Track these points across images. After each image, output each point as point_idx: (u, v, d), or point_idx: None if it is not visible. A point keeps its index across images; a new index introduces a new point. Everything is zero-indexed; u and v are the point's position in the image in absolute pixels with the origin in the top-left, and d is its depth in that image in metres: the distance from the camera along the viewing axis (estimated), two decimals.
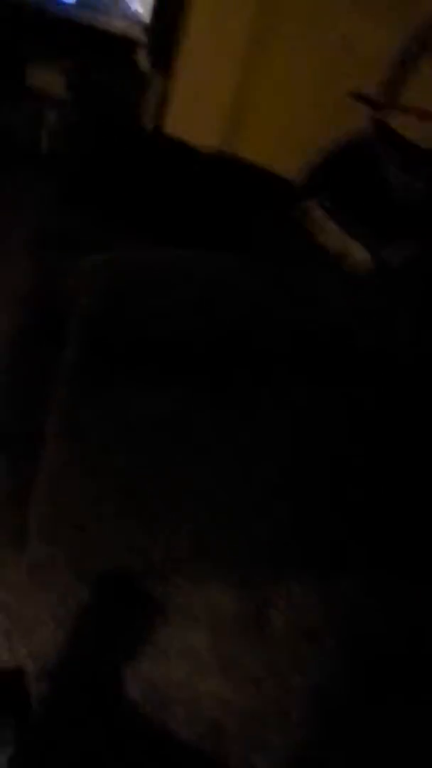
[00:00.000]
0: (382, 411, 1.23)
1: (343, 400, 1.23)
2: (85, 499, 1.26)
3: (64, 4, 3.03)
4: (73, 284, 1.21)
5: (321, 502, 1.36)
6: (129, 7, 3.04)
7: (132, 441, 1.23)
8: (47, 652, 1.22)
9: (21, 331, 1.31)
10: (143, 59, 3.09)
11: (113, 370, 1.18)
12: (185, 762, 1.12)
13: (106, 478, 1.24)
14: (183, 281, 1.18)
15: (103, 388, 1.19)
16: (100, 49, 3.02)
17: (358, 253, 1.38)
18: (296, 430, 1.25)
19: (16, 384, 1.25)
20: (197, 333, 1.18)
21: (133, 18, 3.03)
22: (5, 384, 1.25)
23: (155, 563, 1.37)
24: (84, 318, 1.15)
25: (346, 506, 1.37)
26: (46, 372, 1.22)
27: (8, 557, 1.33)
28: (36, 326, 1.30)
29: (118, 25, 3.04)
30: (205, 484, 1.30)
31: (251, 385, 1.23)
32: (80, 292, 1.17)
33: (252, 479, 1.32)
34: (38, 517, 1.27)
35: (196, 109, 3.04)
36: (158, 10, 3.04)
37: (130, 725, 1.14)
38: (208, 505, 1.32)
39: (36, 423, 1.23)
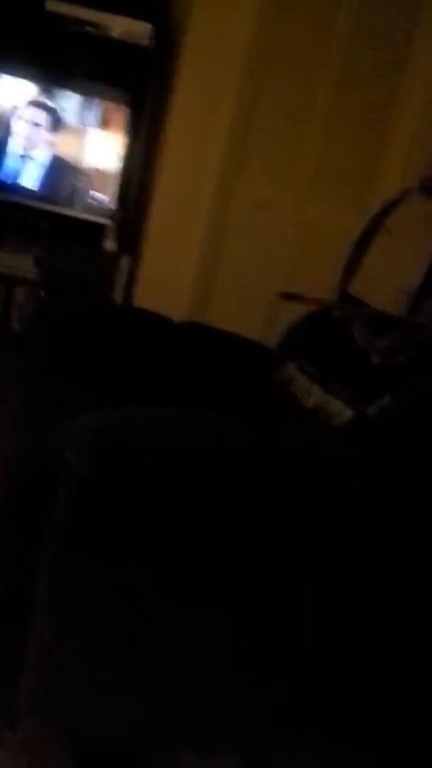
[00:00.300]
0: (370, 565, 1.23)
1: (342, 563, 1.22)
2: (79, 669, 1.18)
3: (31, 193, 3.29)
4: (59, 445, 1.21)
5: (321, 667, 1.31)
6: (94, 196, 3.31)
7: (125, 602, 1.18)
8: None
9: (9, 494, 1.29)
10: (110, 242, 3.32)
11: (102, 530, 1.15)
12: None
13: (100, 645, 1.18)
14: (174, 436, 1.20)
15: (92, 548, 1.16)
16: (67, 234, 3.25)
17: (344, 413, 1.43)
18: (292, 593, 1.22)
19: (5, 549, 1.21)
20: (190, 489, 1.17)
21: (98, 206, 3.30)
22: None
23: (160, 734, 1.26)
24: (72, 476, 1.14)
25: (346, 671, 1.32)
26: (36, 536, 1.19)
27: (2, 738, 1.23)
28: (24, 490, 1.29)
29: (83, 213, 3.29)
30: (206, 648, 1.24)
31: (250, 542, 1.21)
32: (69, 450, 1.17)
33: (255, 643, 1.27)
34: (29, 692, 1.18)
35: (164, 285, 3.24)
36: (122, 197, 3.32)
37: None
38: (210, 672, 1.25)
39: (26, 590, 1.18)
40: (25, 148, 3.30)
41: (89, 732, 1.22)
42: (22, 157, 3.31)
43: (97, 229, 3.30)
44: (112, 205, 3.30)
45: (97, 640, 1.17)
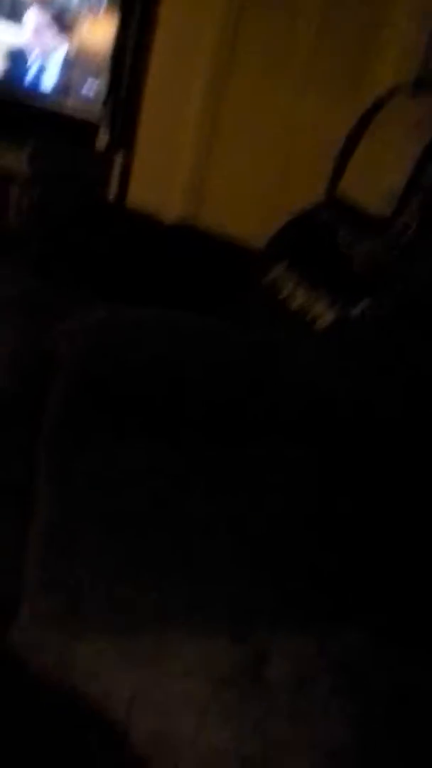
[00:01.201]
0: (368, 460, 1.29)
1: (329, 453, 1.28)
2: (80, 552, 1.28)
3: (24, 89, 3.19)
4: (53, 345, 1.25)
5: (316, 554, 1.40)
6: (85, 89, 3.21)
7: (115, 494, 1.26)
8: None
9: (3, 393, 1.34)
10: (103, 137, 3.24)
11: (94, 427, 1.21)
12: None
13: (99, 529, 1.26)
14: (167, 336, 1.24)
15: (84, 444, 1.22)
16: (60, 130, 3.18)
17: (327, 316, 1.46)
18: (287, 485, 1.29)
19: (3, 442, 1.28)
20: (180, 388, 1.22)
21: (91, 98, 3.20)
22: None
23: (150, 614, 1.38)
24: (67, 374, 1.19)
25: (342, 557, 1.41)
26: (31, 436, 1.25)
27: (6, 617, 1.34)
28: (16, 387, 1.34)
29: (75, 106, 3.21)
30: (195, 538, 1.33)
31: (238, 439, 1.27)
32: (61, 351, 1.21)
33: (244, 533, 1.35)
34: (33, 576, 1.28)
35: (157, 183, 3.20)
36: (113, 91, 3.22)
37: None
38: (199, 559, 1.35)
39: (28, 479, 1.26)
40: (14, 43, 3.18)
41: (85, 615, 1.32)
42: (13, 51, 3.19)
43: (90, 124, 3.22)
44: (105, 97, 3.21)
45: (91, 526, 1.26)
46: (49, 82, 3.24)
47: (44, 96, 3.24)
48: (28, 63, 3.22)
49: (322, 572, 1.42)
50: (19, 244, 3.20)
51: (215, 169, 3.21)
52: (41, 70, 3.23)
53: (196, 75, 3.08)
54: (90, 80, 3.22)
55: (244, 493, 1.27)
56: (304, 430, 1.25)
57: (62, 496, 1.25)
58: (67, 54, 3.19)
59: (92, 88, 3.23)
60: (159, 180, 3.23)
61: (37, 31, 3.17)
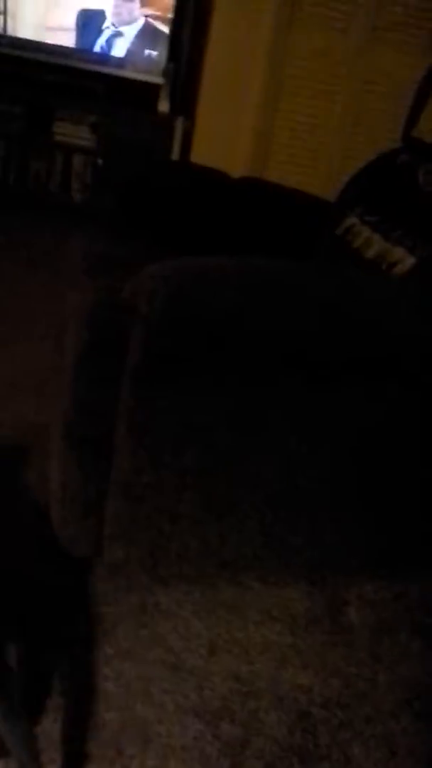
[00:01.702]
0: None
1: (403, 395, 1.26)
2: (158, 500, 1.29)
3: (84, 55, 3.20)
4: (130, 294, 1.26)
5: (390, 501, 1.39)
6: (145, 55, 3.20)
7: (198, 439, 1.26)
8: (131, 651, 1.24)
9: (86, 347, 1.35)
10: (164, 102, 3.23)
11: (175, 372, 1.21)
12: (277, 750, 1.13)
13: (177, 478, 1.28)
14: (244, 282, 1.23)
15: (165, 389, 1.22)
16: (121, 97, 3.18)
17: (406, 260, 1.43)
18: (363, 429, 1.28)
19: (87, 393, 1.30)
20: (258, 329, 1.21)
21: (151, 65, 3.20)
22: (78, 393, 1.30)
23: (227, 563, 1.39)
24: (146, 322, 1.19)
25: (414, 505, 1.40)
26: (113, 382, 1.26)
27: (91, 562, 1.37)
28: (98, 338, 1.35)
29: (136, 73, 3.20)
30: (273, 483, 1.33)
31: (312, 382, 1.26)
32: (140, 298, 1.22)
33: (322, 479, 1.35)
34: (114, 520, 1.30)
35: (219, 145, 3.17)
36: (175, 55, 3.20)
37: (218, 717, 1.16)
38: (277, 505, 1.35)
39: (109, 430, 1.28)
40: (89, 8, 3.19)
41: (167, 558, 1.35)
42: (87, 17, 3.20)
43: (151, 90, 3.21)
44: (165, 63, 3.20)
45: (172, 472, 1.27)
46: (119, 49, 3.24)
47: (110, 62, 3.25)
48: (101, 29, 3.22)
49: (401, 519, 1.40)
50: (88, 211, 3.24)
51: (280, 129, 3.17)
52: (113, 37, 3.24)
53: (257, 34, 3.03)
54: (152, 46, 3.21)
55: (329, 435, 1.27)
56: (391, 369, 1.23)
57: (142, 445, 1.27)
58: (125, 23, 3.19)
59: (154, 53, 3.22)
60: (222, 141, 3.21)
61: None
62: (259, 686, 1.23)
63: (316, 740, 1.16)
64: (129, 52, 3.24)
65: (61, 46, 3.20)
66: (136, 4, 3.19)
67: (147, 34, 3.22)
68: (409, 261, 1.40)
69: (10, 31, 3.18)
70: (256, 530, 1.36)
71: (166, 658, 1.23)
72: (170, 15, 3.16)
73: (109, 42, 3.25)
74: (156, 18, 3.18)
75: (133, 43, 3.22)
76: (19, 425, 1.79)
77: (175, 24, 3.16)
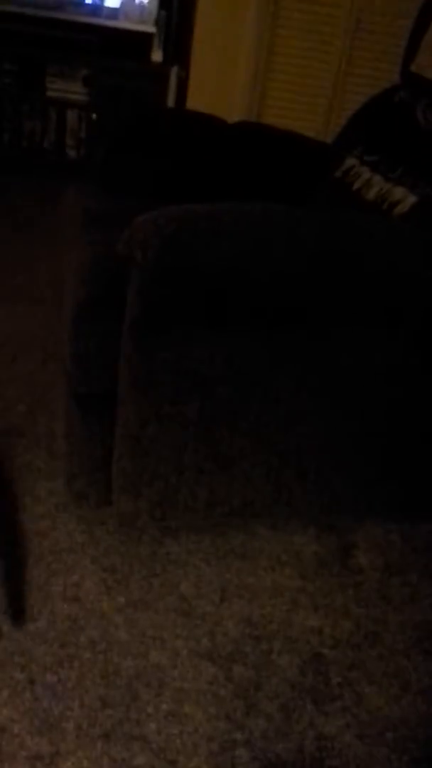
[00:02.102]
0: None
1: (407, 341, 1.25)
2: (163, 451, 1.30)
3: (75, 6, 3.11)
4: (124, 246, 1.23)
5: (397, 446, 1.38)
6: (136, 4, 3.11)
7: (200, 390, 1.26)
8: (143, 600, 1.26)
9: (84, 301, 1.34)
10: (157, 52, 3.15)
11: (173, 322, 1.20)
12: (290, 691, 1.15)
13: (181, 429, 1.28)
14: (238, 226, 1.21)
15: (165, 340, 1.21)
16: (113, 48, 3.10)
17: (407, 199, 1.39)
18: (366, 377, 1.27)
19: (88, 348, 1.29)
20: (254, 276, 1.20)
21: (143, 14, 3.11)
22: (79, 349, 1.29)
23: (235, 512, 1.40)
24: (142, 272, 1.18)
25: (421, 449, 1.39)
26: (114, 336, 1.26)
27: (100, 516, 1.39)
28: (97, 292, 1.34)
29: (128, 23, 3.11)
30: (277, 432, 1.33)
31: (311, 330, 1.25)
32: (135, 249, 1.20)
33: (326, 425, 1.34)
34: (121, 473, 1.31)
35: (214, 92, 3.10)
36: (166, 3, 3.11)
37: (231, 660, 1.17)
38: (282, 454, 1.35)
39: (111, 384, 1.28)
40: None
41: (174, 509, 1.36)
42: None
43: (144, 40, 3.13)
44: (157, 11, 3.11)
45: (176, 424, 1.27)
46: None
47: (102, 13, 3.16)
48: None
49: (408, 463, 1.40)
50: (83, 165, 3.19)
51: (275, 72, 3.08)
52: None
53: None
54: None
55: (331, 383, 1.26)
56: (389, 312, 1.21)
57: (145, 398, 1.26)
58: None
59: (146, 2, 3.13)
60: (217, 89, 3.13)
61: None
62: (270, 629, 1.24)
63: (328, 680, 1.18)
64: (121, 2, 3.15)
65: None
66: None
67: None
68: (410, 200, 1.37)
69: None
70: (263, 479, 1.36)
71: (178, 605, 1.25)
72: None
73: None
74: None
75: None
76: (26, 384, 1.79)
77: None
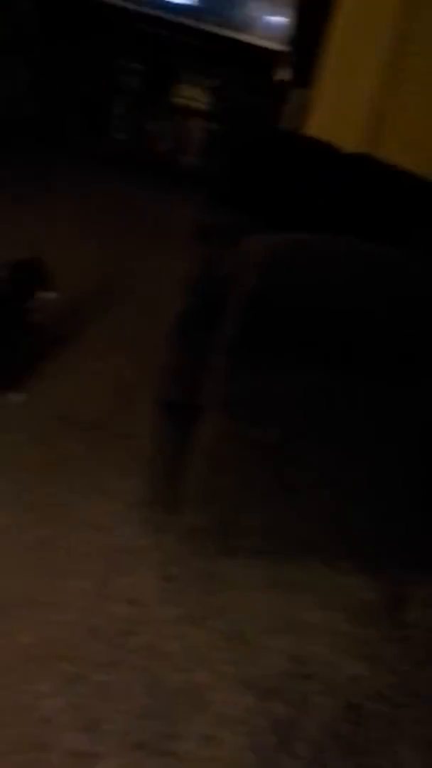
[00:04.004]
0: None
1: None
2: (236, 471, 1.32)
3: (207, 16, 3.17)
4: (231, 266, 1.26)
5: None
6: (270, 22, 3.15)
7: (280, 418, 1.28)
8: (195, 616, 1.28)
9: (185, 312, 1.38)
10: (283, 71, 3.19)
11: (267, 345, 1.22)
12: (324, 736, 1.15)
13: (256, 452, 1.30)
14: (345, 262, 1.22)
15: (256, 364, 1.23)
16: (241, 63, 3.15)
17: None
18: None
19: (181, 359, 1.33)
20: (354, 313, 1.21)
21: (275, 31, 3.14)
22: (172, 359, 1.33)
23: (294, 543, 1.41)
24: (243, 294, 1.20)
25: None
26: (208, 349, 1.28)
27: (166, 523, 1.42)
28: (198, 306, 1.37)
29: (259, 38, 3.16)
30: (349, 470, 1.34)
31: (408, 373, 1.25)
32: (240, 270, 1.22)
33: (401, 472, 1.34)
34: (193, 485, 1.34)
35: (336, 118, 3.10)
36: (300, 23, 3.14)
37: (271, 694, 1.18)
38: (348, 492, 1.35)
39: (197, 397, 1.31)
40: None
41: (238, 531, 1.38)
42: None
43: (272, 57, 3.17)
44: (290, 32, 3.14)
45: (251, 447, 1.29)
46: (239, 13, 3.20)
47: (233, 25, 3.21)
48: None
49: None
50: (199, 176, 3.25)
51: (399, 108, 3.06)
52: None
53: (384, 9, 2.92)
54: (276, 13, 3.15)
55: (411, 430, 1.25)
56: None
57: (227, 416, 1.29)
58: None
59: (278, 21, 3.17)
60: (337, 114, 3.12)
61: None
62: (313, 669, 1.24)
63: (364, 733, 1.17)
64: (253, 17, 3.19)
65: (186, 5, 3.18)
66: None
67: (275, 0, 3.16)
68: None
69: None
70: (326, 514, 1.37)
71: (228, 628, 1.27)
72: None
73: (235, 5, 3.21)
74: None
75: (258, 8, 3.17)
76: (113, 380, 1.85)
77: None
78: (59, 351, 1.90)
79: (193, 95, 3.30)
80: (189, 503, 1.34)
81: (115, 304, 2.21)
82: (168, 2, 3.19)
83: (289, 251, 1.25)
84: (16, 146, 3.20)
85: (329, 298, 1.19)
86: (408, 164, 1.96)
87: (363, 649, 1.31)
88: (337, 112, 3.14)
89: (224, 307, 1.25)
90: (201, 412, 1.31)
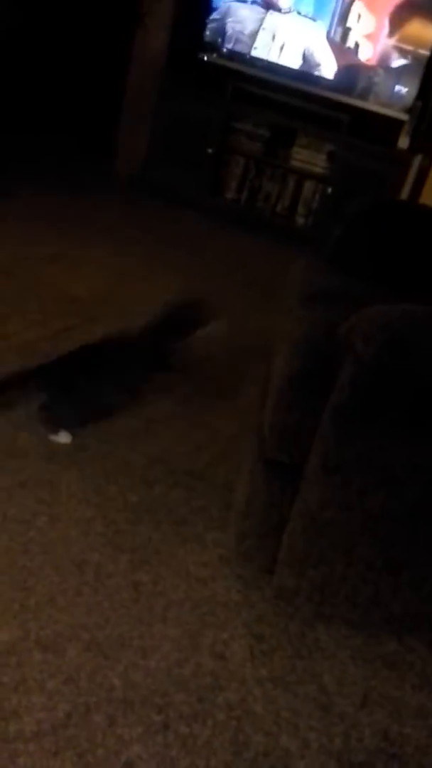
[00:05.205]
0: None
1: None
2: (337, 538, 1.30)
3: (329, 84, 3.26)
4: (346, 333, 1.27)
5: None
6: (393, 89, 3.20)
7: (388, 487, 1.25)
8: (284, 679, 1.25)
9: (296, 374, 1.39)
10: (404, 138, 3.22)
11: (377, 414, 1.21)
12: None
13: (360, 521, 1.27)
14: None
15: (365, 430, 1.23)
16: (362, 128, 3.21)
17: None
18: None
19: (288, 419, 1.33)
20: None
21: (397, 100, 3.19)
22: (280, 418, 1.34)
23: (395, 618, 1.36)
24: (359, 363, 1.21)
25: None
26: (315, 414, 1.28)
27: (259, 581, 1.41)
28: (309, 369, 1.38)
29: (381, 106, 3.21)
30: None
31: None
32: (356, 339, 1.23)
33: None
34: (290, 547, 1.32)
35: None
36: (424, 93, 3.18)
37: None
38: None
39: (301, 459, 1.30)
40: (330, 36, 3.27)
41: (335, 598, 1.34)
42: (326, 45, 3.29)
43: (392, 125, 3.21)
44: (413, 100, 3.17)
45: (356, 514, 1.27)
46: (356, 80, 3.28)
47: (355, 93, 3.29)
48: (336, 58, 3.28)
49: None
50: (310, 237, 3.31)
51: None
52: (350, 68, 3.29)
53: None
54: (401, 83, 3.21)
55: None
56: None
57: (331, 481, 1.28)
58: (375, 55, 3.22)
59: (400, 90, 3.22)
60: None
61: (372, 38, 3.21)
62: (406, 751, 1.18)
63: None
64: (376, 84, 3.26)
65: (310, 74, 3.29)
66: (393, 40, 3.21)
67: (398, 69, 3.23)
68: None
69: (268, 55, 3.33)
70: (430, 594, 1.32)
71: (318, 696, 1.23)
72: (426, 52, 3.14)
73: (359, 74, 3.29)
74: (408, 53, 3.18)
75: (381, 77, 3.24)
76: (214, 432, 1.88)
77: (429, 65, 3.14)
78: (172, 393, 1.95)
79: (311, 159, 3.38)
80: (284, 564, 1.32)
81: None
82: (293, 70, 3.31)
83: (412, 324, 1.25)
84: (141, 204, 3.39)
85: None
86: None
87: None
88: None
89: (337, 373, 1.25)
90: (303, 474, 1.30)
